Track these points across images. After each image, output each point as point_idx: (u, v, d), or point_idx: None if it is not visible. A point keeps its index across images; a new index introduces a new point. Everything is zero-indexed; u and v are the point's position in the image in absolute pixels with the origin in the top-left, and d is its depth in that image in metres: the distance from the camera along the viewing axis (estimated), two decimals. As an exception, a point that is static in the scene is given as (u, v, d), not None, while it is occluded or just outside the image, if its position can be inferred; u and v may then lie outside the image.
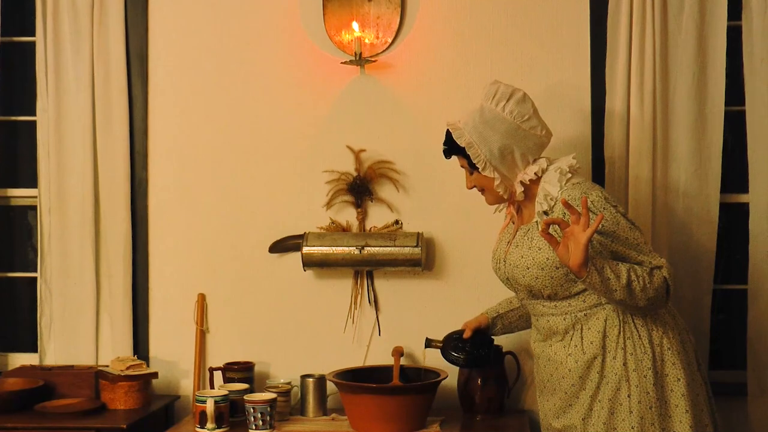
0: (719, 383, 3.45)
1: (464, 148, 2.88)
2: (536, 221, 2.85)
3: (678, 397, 2.76)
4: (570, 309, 2.86)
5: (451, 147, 2.95)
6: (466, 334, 3.21)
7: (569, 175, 2.85)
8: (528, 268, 2.84)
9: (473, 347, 3.21)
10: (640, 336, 2.79)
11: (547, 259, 2.79)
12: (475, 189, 3.03)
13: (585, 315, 2.84)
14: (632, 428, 2.74)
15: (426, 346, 3.32)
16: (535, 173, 2.87)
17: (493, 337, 3.28)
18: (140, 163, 3.80)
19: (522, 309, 3.22)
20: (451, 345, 3.25)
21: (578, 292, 2.84)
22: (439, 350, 3.28)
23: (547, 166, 2.90)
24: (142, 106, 3.79)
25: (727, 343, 3.74)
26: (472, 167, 2.92)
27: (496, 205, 3.08)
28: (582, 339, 2.82)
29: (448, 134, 2.95)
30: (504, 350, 3.55)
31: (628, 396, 2.75)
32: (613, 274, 2.64)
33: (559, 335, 2.89)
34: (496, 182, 2.88)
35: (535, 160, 2.90)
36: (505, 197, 2.94)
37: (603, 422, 2.78)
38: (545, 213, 2.83)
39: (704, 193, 3.57)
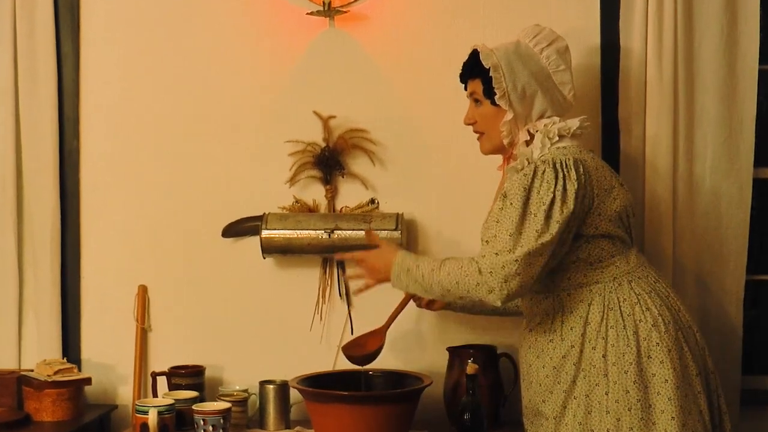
0: (753, 390, 3.46)
1: (488, 70, 2.89)
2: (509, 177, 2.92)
3: (664, 401, 2.68)
4: (552, 285, 2.85)
5: (472, 68, 2.97)
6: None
7: (556, 138, 2.87)
8: None
9: None
10: (625, 326, 2.74)
11: None
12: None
13: (568, 295, 2.83)
14: (608, 431, 2.70)
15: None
16: (545, 125, 2.88)
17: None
18: (70, 131, 3.68)
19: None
20: None
21: (559, 266, 2.82)
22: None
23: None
24: (72, 65, 3.68)
25: (762, 342, 3.66)
26: (486, 95, 2.92)
27: (498, 169, 3.07)
28: (562, 324, 2.82)
29: (473, 55, 2.97)
30: (498, 351, 3.43)
31: (606, 393, 2.71)
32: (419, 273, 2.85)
33: (538, 317, 2.89)
34: (507, 118, 2.90)
35: (549, 117, 2.94)
36: (506, 143, 2.95)
37: (578, 422, 2.75)
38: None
39: (735, 167, 3.45)
